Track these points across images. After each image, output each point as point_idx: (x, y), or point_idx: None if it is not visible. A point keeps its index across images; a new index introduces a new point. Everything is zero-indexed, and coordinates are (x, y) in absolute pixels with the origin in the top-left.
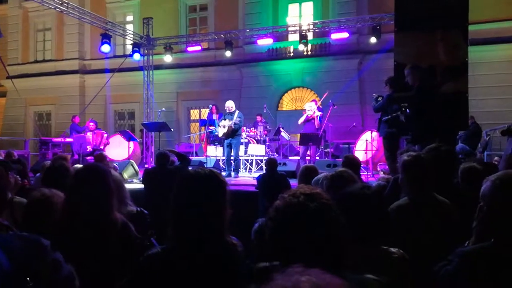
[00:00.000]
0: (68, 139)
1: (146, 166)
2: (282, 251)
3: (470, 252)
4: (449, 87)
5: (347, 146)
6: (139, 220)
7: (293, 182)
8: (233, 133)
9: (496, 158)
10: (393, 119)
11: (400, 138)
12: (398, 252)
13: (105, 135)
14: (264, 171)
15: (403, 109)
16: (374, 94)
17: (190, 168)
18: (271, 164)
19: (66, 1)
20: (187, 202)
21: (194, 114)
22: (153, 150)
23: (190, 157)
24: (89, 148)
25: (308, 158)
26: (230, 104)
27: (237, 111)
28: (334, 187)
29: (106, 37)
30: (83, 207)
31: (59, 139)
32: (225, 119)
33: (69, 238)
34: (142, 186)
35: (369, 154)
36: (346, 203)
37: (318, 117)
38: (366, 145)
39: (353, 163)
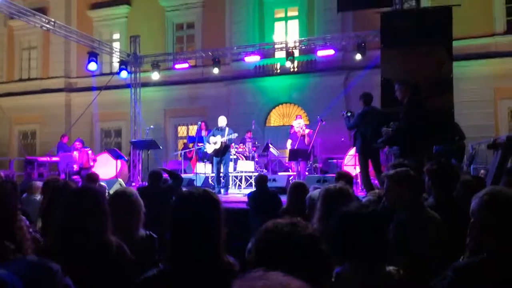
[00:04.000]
0: (54, 158)
1: (133, 184)
2: None
3: (463, 266)
4: (435, 103)
5: (335, 161)
6: (148, 244)
7: (283, 198)
8: (225, 149)
9: (482, 171)
10: (388, 137)
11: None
12: (398, 273)
13: (90, 152)
14: (254, 188)
15: (391, 126)
16: (343, 112)
17: (184, 189)
18: (261, 181)
19: (53, 20)
20: (182, 223)
21: (182, 131)
22: (140, 168)
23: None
24: (75, 167)
25: (294, 173)
26: (220, 120)
27: (227, 128)
28: (330, 203)
29: (93, 55)
30: (76, 230)
31: (45, 159)
32: (214, 135)
33: (61, 261)
34: None
35: (358, 169)
36: (343, 224)
37: (308, 134)
38: (354, 160)
39: (346, 179)
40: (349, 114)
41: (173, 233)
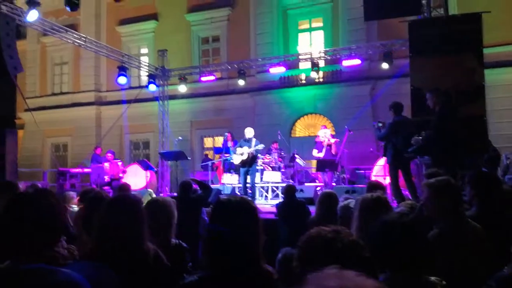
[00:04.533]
0: (86, 170)
1: (161, 194)
2: None
3: (507, 277)
4: (467, 111)
5: (363, 171)
6: (176, 253)
7: (311, 209)
8: (252, 160)
9: None
10: (418, 146)
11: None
12: (440, 282)
13: (120, 163)
14: (281, 198)
15: (423, 135)
16: (374, 123)
17: (221, 196)
18: (290, 191)
19: (84, 36)
20: (221, 231)
21: (208, 142)
22: (168, 179)
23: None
24: (106, 178)
25: (321, 184)
26: (247, 131)
27: (254, 139)
28: (368, 212)
29: (122, 70)
30: (115, 237)
31: (77, 170)
32: (241, 147)
33: None
34: None
35: (387, 180)
36: (384, 232)
37: (335, 143)
38: (384, 170)
39: (378, 188)
40: (380, 124)
41: (211, 240)
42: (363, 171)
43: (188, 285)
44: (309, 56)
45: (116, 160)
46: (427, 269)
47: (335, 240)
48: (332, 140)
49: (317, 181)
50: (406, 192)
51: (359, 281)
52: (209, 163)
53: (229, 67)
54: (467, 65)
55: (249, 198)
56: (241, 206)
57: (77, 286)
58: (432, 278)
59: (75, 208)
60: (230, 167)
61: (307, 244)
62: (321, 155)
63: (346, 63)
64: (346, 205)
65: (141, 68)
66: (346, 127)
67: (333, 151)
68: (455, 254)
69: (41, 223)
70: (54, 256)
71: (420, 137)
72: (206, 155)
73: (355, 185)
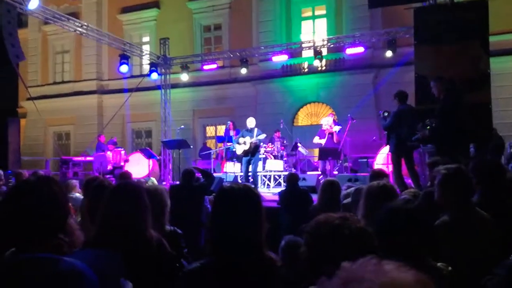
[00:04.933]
0: (88, 158)
1: (164, 183)
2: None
3: None
4: (472, 99)
5: (365, 160)
6: (171, 240)
7: (314, 197)
8: (254, 149)
9: None
10: (424, 136)
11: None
12: (446, 268)
13: (123, 152)
14: (283, 187)
15: (427, 122)
16: (380, 112)
17: (225, 184)
18: (292, 179)
19: (86, 24)
20: (224, 217)
21: (210, 131)
22: (171, 167)
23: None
24: (109, 167)
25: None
26: (249, 121)
27: (256, 129)
28: (374, 200)
29: (124, 58)
30: (118, 225)
31: (79, 158)
32: (243, 136)
33: None
34: None
35: (390, 168)
36: (390, 219)
37: (337, 132)
38: (387, 159)
39: (382, 176)
40: (386, 114)
41: (214, 228)
42: (365, 160)
43: (190, 272)
44: (312, 44)
45: (118, 149)
46: (432, 255)
47: (342, 227)
48: (336, 128)
49: (319, 169)
50: (408, 181)
51: (399, 276)
52: (211, 151)
53: (231, 56)
54: (472, 53)
55: (252, 186)
56: (244, 194)
57: (80, 276)
58: (438, 264)
59: (78, 196)
60: (232, 156)
61: (314, 230)
62: (323, 141)
63: (350, 51)
64: (348, 194)
65: (143, 57)
66: (349, 115)
67: (334, 140)
68: (463, 242)
69: (43, 211)
70: (59, 244)
71: (427, 127)
72: (205, 143)
73: (358, 174)
